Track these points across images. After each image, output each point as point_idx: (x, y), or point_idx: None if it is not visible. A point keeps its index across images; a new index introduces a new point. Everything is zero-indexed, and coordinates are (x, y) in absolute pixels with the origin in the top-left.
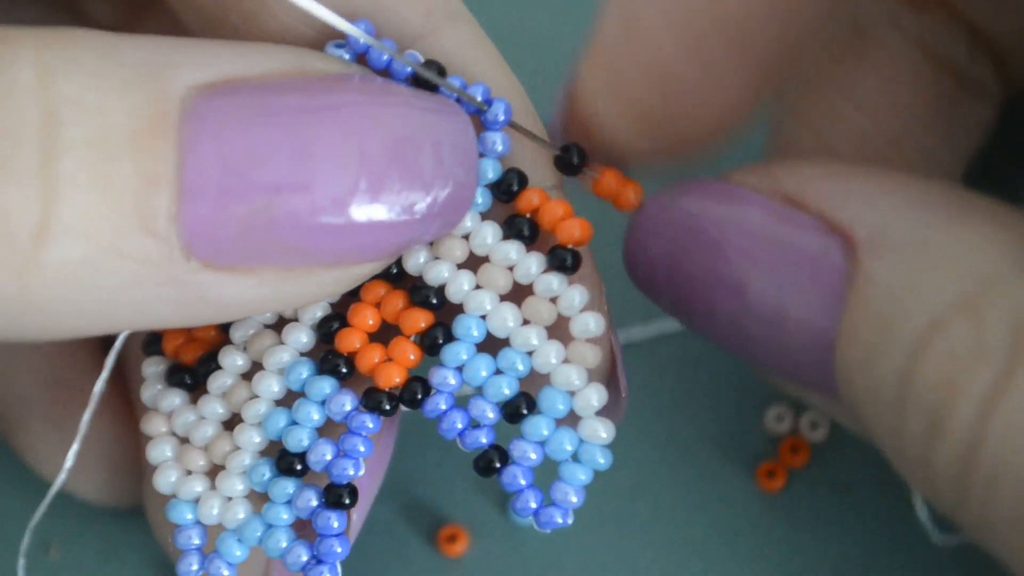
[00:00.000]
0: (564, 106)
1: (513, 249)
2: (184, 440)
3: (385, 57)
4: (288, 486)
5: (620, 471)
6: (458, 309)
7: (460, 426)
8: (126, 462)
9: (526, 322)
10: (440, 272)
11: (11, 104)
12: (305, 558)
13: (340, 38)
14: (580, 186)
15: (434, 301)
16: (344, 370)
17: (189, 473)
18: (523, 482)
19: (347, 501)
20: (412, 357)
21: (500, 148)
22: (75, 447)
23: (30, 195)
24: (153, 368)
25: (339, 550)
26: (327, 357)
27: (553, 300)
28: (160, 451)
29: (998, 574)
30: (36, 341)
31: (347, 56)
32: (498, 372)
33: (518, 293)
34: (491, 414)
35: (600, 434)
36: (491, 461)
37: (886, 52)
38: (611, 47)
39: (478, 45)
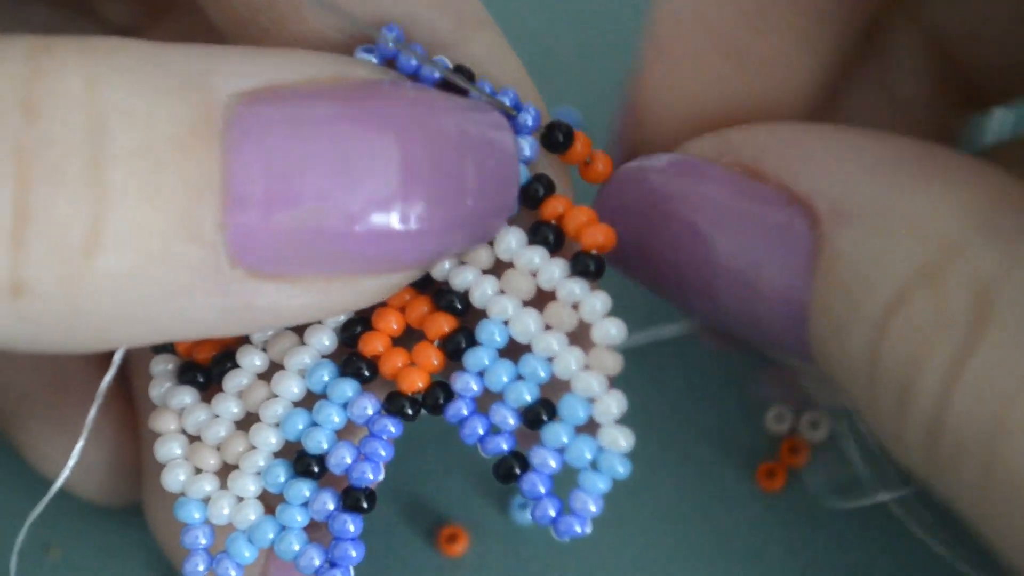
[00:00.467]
0: (627, 115)
1: (537, 255)
2: (194, 438)
3: (414, 62)
4: (305, 488)
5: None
6: (481, 314)
7: (481, 432)
8: (125, 461)
9: (548, 328)
10: (465, 277)
11: (60, 113)
12: (318, 562)
13: (368, 42)
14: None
15: (459, 306)
16: (367, 373)
17: (199, 472)
18: (542, 489)
19: (365, 505)
20: (435, 362)
21: (528, 153)
22: (79, 444)
23: (81, 205)
24: (162, 366)
25: (354, 554)
26: (350, 359)
27: (575, 306)
28: (169, 449)
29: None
30: (85, 352)
31: (375, 60)
32: (519, 378)
33: (541, 298)
34: (511, 420)
35: (620, 442)
36: (511, 468)
37: None
38: (674, 34)
39: (504, 53)
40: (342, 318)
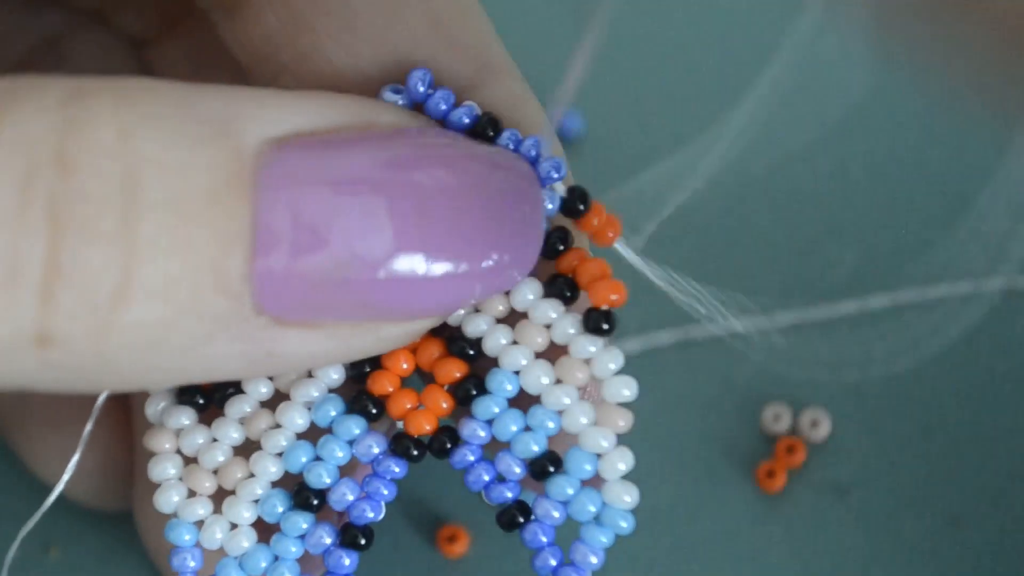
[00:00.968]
0: None
1: (552, 308)
2: (190, 460)
3: (443, 107)
4: (303, 521)
5: None
6: (492, 361)
7: (487, 479)
8: (120, 465)
9: (558, 380)
10: (479, 325)
11: (92, 165)
12: None
13: (397, 82)
14: None
15: (471, 353)
16: (374, 411)
17: (192, 494)
18: (544, 539)
19: (363, 542)
20: (445, 406)
21: (550, 206)
22: (75, 457)
23: (112, 258)
24: None
25: None
26: (358, 397)
27: (588, 361)
28: (163, 469)
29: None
30: (108, 390)
31: (402, 102)
32: (527, 428)
33: (554, 349)
34: (517, 469)
35: (624, 499)
36: (514, 517)
37: None
38: None
39: (525, 101)
40: None
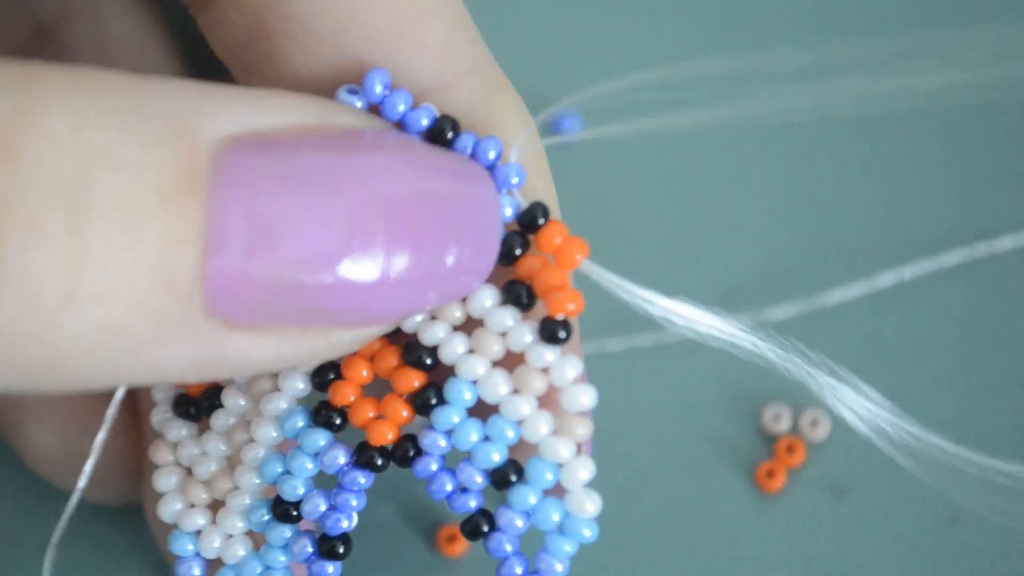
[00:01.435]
0: None
1: (509, 316)
2: (189, 471)
3: (400, 109)
4: (284, 531)
5: (619, 473)
6: (450, 369)
7: (449, 488)
8: (122, 461)
9: (517, 389)
10: (436, 333)
11: (42, 158)
12: None
13: (353, 83)
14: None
15: (428, 362)
16: (338, 422)
17: (191, 506)
18: (509, 548)
19: (341, 550)
20: (405, 415)
21: (508, 212)
22: (90, 461)
23: (58, 257)
24: (164, 393)
25: None
26: (320, 410)
27: (546, 370)
28: (166, 480)
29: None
30: (49, 395)
31: (359, 104)
32: (487, 438)
33: (512, 358)
34: (479, 479)
35: (586, 508)
36: (478, 526)
37: None
38: None
39: (493, 101)
40: (315, 362)
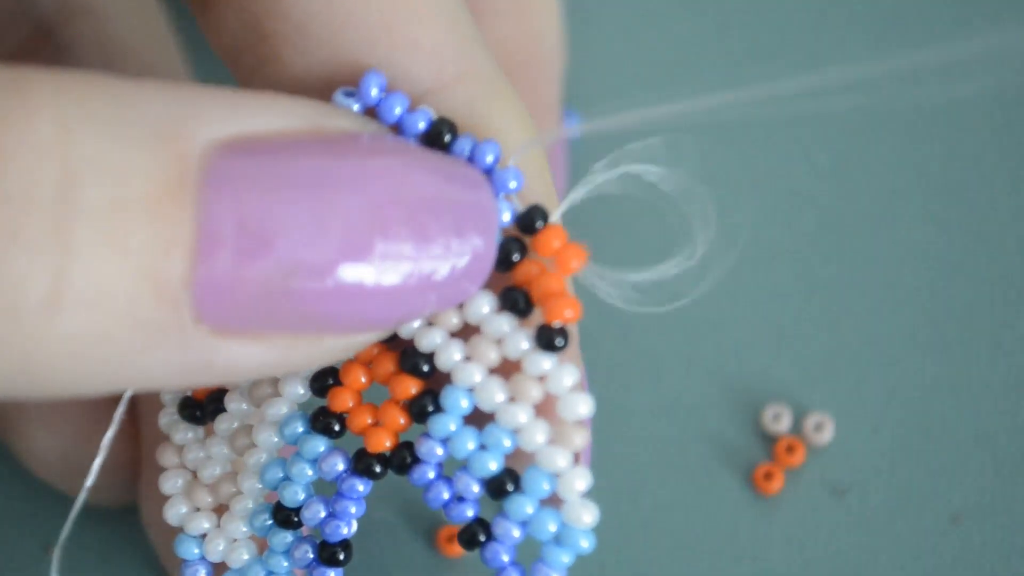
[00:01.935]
0: None
1: (506, 323)
2: (194, 474)
3: (397, 111)
4: (286, 537)
5: (618, 473)
6: (447, 376)
7: (446, 497)
8: (120, 461)
9: (513, 398)
10: (432, 339)
11: (27, 163)
12: None
13: (350, 85)
14: None
15: (425, 368)
16: (337, 428)
17: (197, 509)
18: (505, 559)
19: (341, 557)
20: (402, 422)
21: (506, 217)
22: (97, 461)
23: (42, 265)
24: (171, 395)
25: None
26: (318, 417)
27: (543, 378)
28: (173, 483)
29: None
30: (34, 402)
31: (356, 107)
32: (483, 446)
33: (509, 366)
34: (476, 488)
35: (583, 519)
36: (475, 535)
37: None
38: None
39: (493, 104)
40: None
